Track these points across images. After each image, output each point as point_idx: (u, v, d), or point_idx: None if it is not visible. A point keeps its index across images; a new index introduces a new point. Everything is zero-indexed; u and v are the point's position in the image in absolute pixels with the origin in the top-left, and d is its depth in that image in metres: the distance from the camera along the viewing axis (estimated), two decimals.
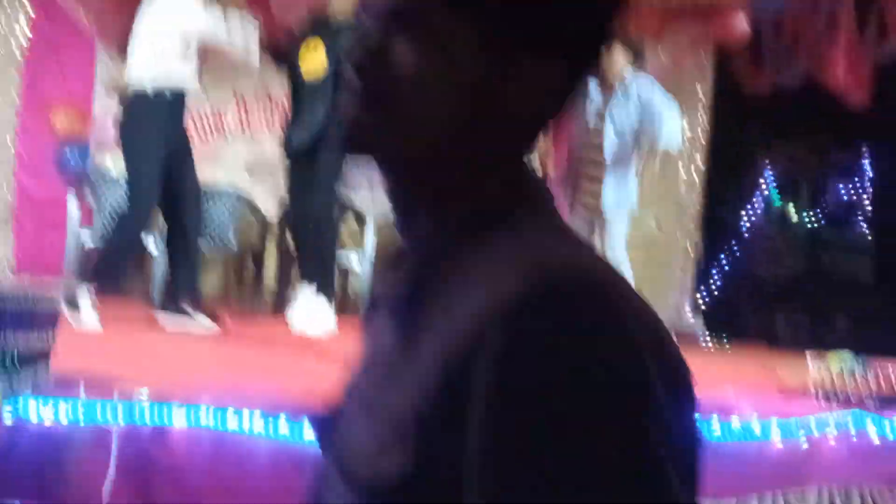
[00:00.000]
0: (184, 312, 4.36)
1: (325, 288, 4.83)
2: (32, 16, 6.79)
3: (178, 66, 4.39)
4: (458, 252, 0.80)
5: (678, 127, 5.93)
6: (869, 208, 7.76)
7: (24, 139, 6.88)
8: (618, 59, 5.61)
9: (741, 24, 6.78)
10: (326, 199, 4.87)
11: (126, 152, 4.48)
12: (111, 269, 4.45)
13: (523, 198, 0.83)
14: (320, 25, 4.77)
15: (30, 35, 6.82)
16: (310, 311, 4.70)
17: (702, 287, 8.21)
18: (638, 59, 5.79)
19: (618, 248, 5.77)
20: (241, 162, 7.17)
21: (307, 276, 4.87)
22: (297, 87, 4.80)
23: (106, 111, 6.71)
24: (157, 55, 4.35)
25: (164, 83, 4.38)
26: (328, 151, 4.61)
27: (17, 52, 6.83)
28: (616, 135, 5.66)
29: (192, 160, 4.67)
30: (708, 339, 7.42)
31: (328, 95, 4.54)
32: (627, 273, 5.72)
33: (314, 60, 4.68)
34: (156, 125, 4.38)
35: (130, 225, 4.45)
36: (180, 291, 4.49)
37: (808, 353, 3.27)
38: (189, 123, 6.86)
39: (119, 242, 4.51)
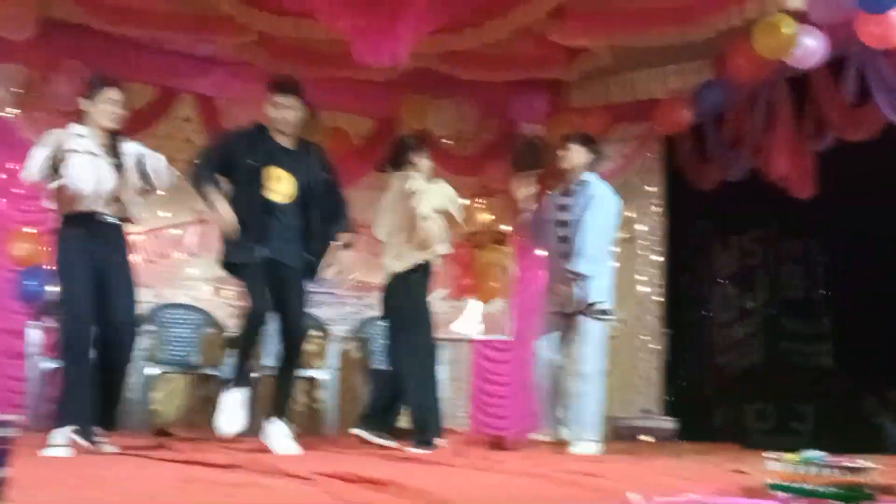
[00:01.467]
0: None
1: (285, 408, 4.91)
2: None
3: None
4: None
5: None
6: (823, 294, 7.86)
7: None
8: (578, 157, 5.69)
9: (682, 116, 6.98)
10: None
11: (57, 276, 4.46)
12: (74, 403, 4.34)
13: None
14: (276, 152, 4.85)
15: None
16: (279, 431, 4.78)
17: (670, 383, 8.21)
18: (598, 159, 5.83)
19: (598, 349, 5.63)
20: (203, 279, 7.22)
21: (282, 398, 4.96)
22: (263, 206, 4.79)
23: None
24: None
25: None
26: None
27: None
28: (577, 231, 5.58)
29: (122, 284, 4.55)
30: (678, 437, 7.38)
31: (300, 215, 4.83)
32: (602, 380, 5.63)
33: (285, 187, 4.81)
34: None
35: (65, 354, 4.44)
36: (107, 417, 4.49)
37: (766, 453, 3.26)
38: (147, 242, 7.04)
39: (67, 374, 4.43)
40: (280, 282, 4.83)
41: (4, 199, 6.84)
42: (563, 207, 5.70)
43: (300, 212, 4.87)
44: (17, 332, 6.58)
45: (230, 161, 4.81)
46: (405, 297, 5.41)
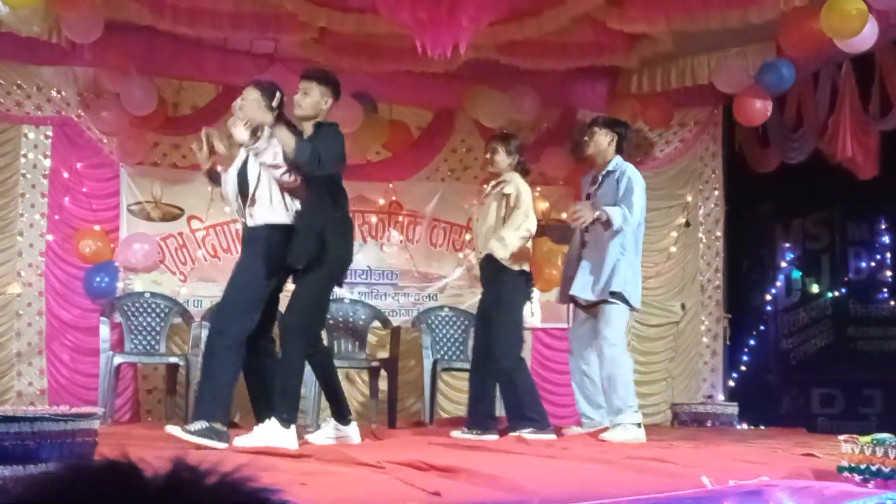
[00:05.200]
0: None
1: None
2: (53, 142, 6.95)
3: None
4: None
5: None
6: (890, 277, 7.75)
7: (52, 266, 6.93)
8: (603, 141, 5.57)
9: (763, 107, 6.87)
10: None
11: None
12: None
13: None
14: None
15: (51, 162, 6.93)
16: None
17: (733, 369, 8.15)
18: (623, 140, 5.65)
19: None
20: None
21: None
22: None
23: (131, 233, 6.86)
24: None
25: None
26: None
27: (43, 180, 6.94)
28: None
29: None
30: (742, 422, 7.32)
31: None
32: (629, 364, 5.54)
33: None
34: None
35: None
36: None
37: (841, 437, 3.25)
38: (211, 238, 7.15)
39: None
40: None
41: (68, 198, 6.98)
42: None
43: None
44: (89, 328, 6.74)
45: None
46: None
